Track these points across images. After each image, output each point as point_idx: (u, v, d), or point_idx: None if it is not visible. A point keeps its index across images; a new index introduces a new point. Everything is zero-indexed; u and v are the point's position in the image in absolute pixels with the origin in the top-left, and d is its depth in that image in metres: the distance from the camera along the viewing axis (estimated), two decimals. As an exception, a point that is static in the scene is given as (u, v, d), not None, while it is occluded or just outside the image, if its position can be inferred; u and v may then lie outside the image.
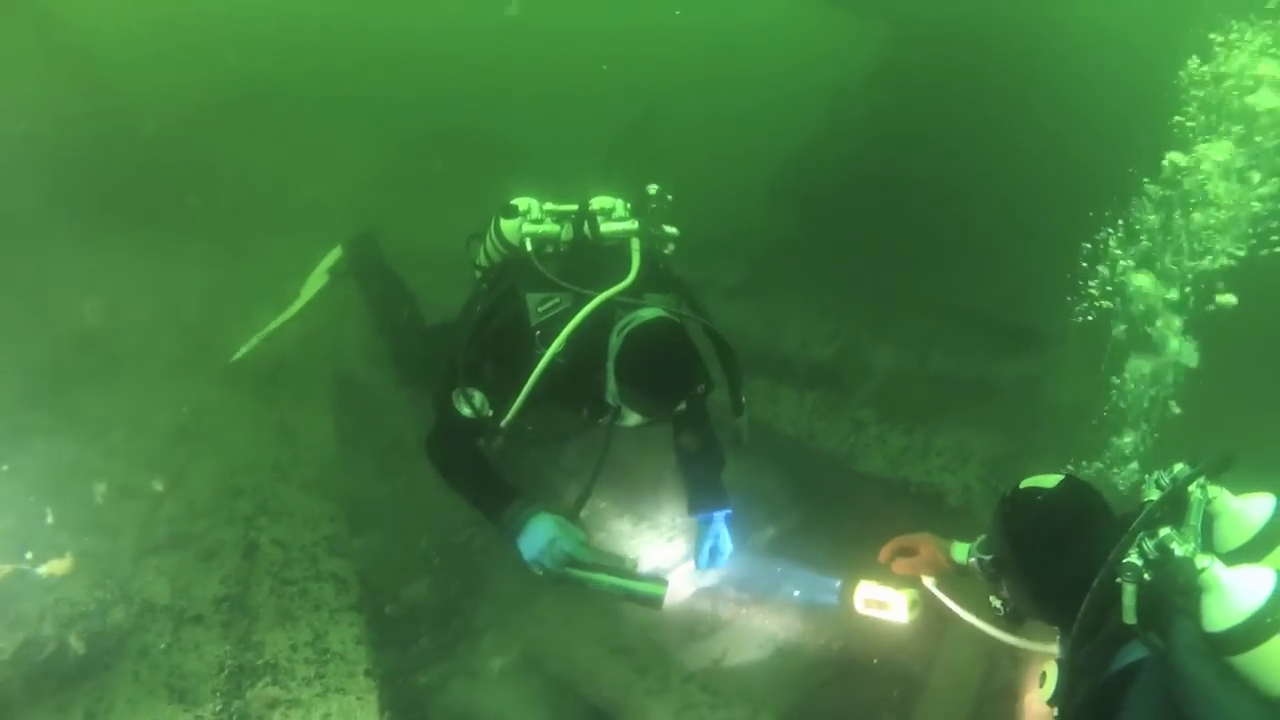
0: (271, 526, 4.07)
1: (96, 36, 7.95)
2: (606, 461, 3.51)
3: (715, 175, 8.30)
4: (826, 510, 4.72)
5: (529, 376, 3.24)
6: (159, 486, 4.17)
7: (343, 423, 5.04)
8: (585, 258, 3.63)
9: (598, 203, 3.78)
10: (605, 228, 3.66)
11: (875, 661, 3.94)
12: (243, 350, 4.95)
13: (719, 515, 3.74)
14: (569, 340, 3.23)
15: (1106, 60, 6.69)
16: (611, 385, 3.23)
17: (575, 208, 3.77)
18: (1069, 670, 2.15)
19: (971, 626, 3.89)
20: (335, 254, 4.94)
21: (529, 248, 3.56)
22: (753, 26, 10.95)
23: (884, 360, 6.02)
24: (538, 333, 3.34)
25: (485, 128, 9.28)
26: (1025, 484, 2.37)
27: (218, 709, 3.12)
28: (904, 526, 4.55)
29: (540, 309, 3.39)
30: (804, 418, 5.37)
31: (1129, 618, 1.97)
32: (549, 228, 3.67)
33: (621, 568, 3.38)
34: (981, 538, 2.59)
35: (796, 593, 3.59)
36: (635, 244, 3.60)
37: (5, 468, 4.06)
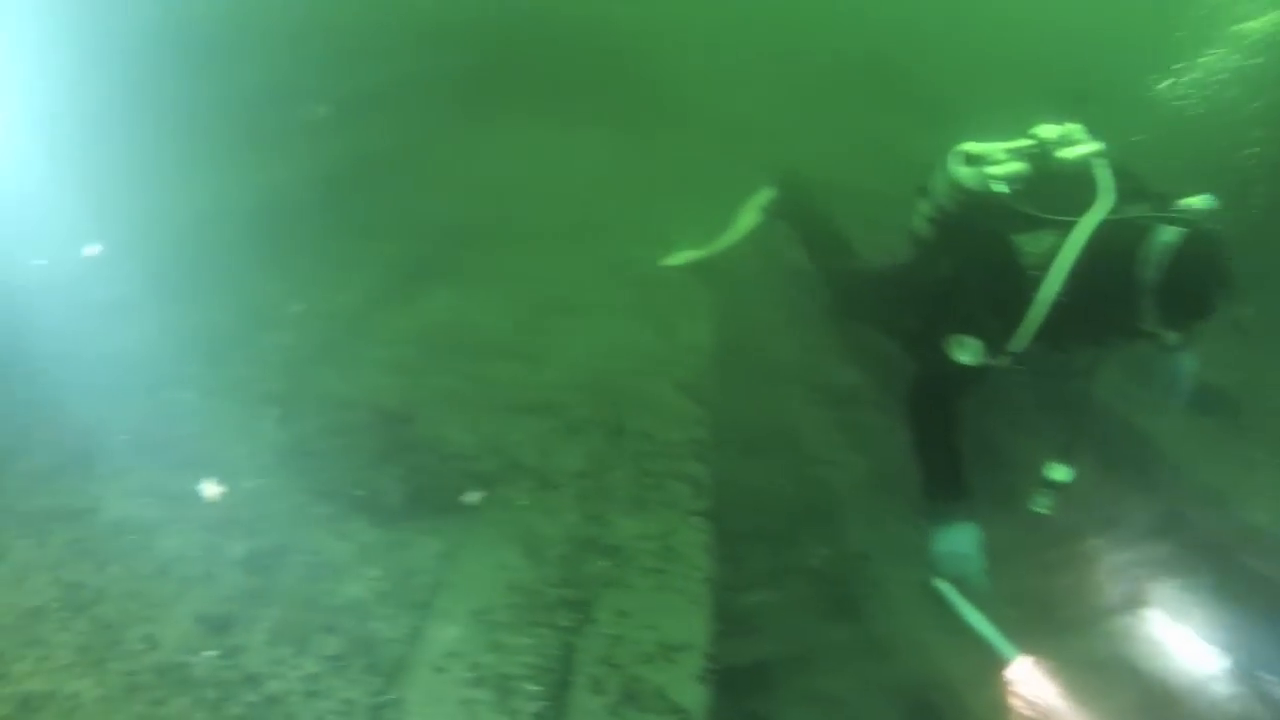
0: (639, 416, 4.01)
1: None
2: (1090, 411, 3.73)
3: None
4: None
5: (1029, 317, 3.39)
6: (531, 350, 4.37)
7: (724, 334, 4.90)
8: (1052, 189, 3.56)
9: (1046, 133, 3.72)
10: (1069, 154, 3.60)
11: None
12: (670, 260, 5.37)
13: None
14: (1071, 273, 3.32)
15: None
16: (1148, 308, 3.24)
17: (1031, 143, 3.72)
18: None
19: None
20: (767, 193, 5.11)
21: (1005, 189, 3.62)
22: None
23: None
24: (1033, 272, 3.40)
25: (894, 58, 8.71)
26: None
27: (558, 572, 3.08)
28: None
29: (1030, 249, 3.43)
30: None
31: None
32: (1016, 166, 3.64)
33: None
34: None
35: None
36: (1102, 164, 3.52)
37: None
